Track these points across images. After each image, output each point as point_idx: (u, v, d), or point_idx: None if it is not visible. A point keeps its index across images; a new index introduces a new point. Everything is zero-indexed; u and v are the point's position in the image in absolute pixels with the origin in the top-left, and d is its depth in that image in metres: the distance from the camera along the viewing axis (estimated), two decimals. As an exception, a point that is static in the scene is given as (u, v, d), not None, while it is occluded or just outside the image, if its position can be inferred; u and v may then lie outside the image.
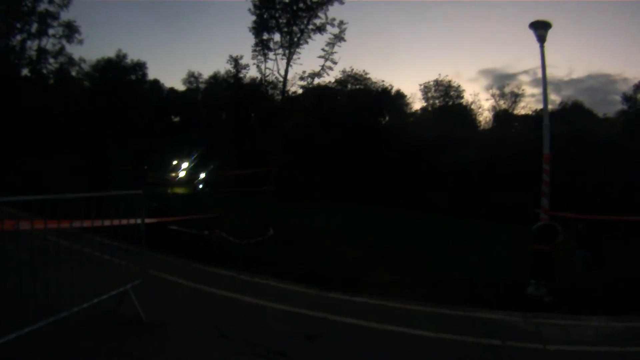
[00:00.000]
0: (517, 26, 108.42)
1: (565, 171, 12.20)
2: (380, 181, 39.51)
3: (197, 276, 9.07)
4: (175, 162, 31.69)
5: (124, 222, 6.44)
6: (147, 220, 7.03)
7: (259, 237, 13.98)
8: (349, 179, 38.60)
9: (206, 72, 69.12)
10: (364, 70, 50.45)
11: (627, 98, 45.68)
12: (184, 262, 10.27)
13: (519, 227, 20.14)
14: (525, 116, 51.15)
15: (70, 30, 47.10)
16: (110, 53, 63.17)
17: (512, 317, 8.19)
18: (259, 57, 18.40)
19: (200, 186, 17.59)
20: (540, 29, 11.19)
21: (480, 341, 6.77)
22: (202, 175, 23.92)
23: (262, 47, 17.84)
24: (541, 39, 11.26)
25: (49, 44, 46.75)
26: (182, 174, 23.03)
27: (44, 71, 48.33)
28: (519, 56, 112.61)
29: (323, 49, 18.33)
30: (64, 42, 47.47)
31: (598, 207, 21.02)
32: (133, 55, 62.68)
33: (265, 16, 17.50)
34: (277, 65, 18.29)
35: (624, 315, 8.59)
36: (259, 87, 37.97)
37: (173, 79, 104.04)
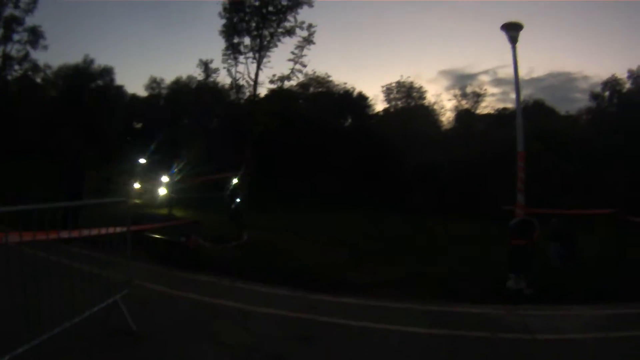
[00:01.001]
0: (476, 27, 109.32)
1: (529, 168, 12.44)
2: (347, 182, 39.60)
3: (178, 283, 8.94)
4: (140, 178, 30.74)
5: (111, 230, 6.34)
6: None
7: (234, 242, 13.87)
8: (317, 181, 38.62)
9: (169, 78, 68.10)
10: (326, 73, 50.44)
11: (594, 96, 46.59)
12: (162, 270, 10.11)
13: (488, 224, 20.43)
14: (487, 115, 51.83)
15: (35, 36, 46.17)
16: (77, 58, 62.26)
17: (496, 310, 8.37)
18: (230, 60, 18.35)
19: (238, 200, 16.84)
20: (512, 30, 11.38)
21: (472, 334, 6.88)
22: (165, 180, 23.02)
23: (233, 51, 17.79)
24: (513, 40, 11.44)
25: (13, 50, 45.88)
26: (161, 191, 21.28)
27: (9, 77, 47.50)
28: (479, 57, 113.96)
29: (292, 52, 18.39)
30: (28, 47, 46.66)
31: (565, 202, 21.38)
32: (100, 60, 61.70)
33: (235, 20, 17.42)
34: (248, 69, 18.27)
35: (601, 304, 8.88)
36: (224, 91, 37.75)
37: (135, 84, 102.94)
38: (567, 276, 11.09)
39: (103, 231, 6.31)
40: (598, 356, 6.32)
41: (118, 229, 6.51)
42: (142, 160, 29.76)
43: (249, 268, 10.67)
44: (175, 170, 24.47)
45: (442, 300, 8.81)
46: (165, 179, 22.78)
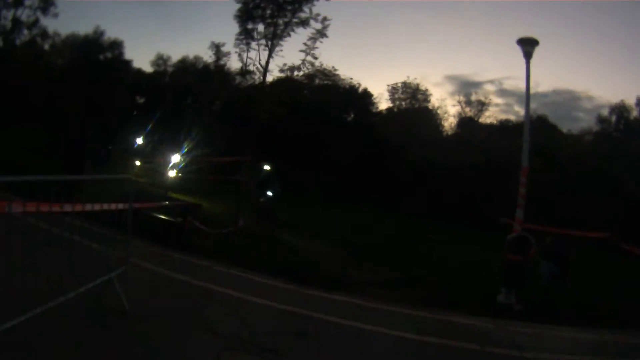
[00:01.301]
0: (486, 36, 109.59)
1: (529, 183, 12.47)
2: (348, 178, 39.61)
3: (174, 265, 8.97)
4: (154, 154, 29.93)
5: (113, 207, 6.34)
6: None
7: (230, 228, 13.88)
8: (318, 174, 38.63)
9: (175, 56, 67.94)
10: (333, 67, 50.20)
11: (601, 119, 46.63)
12: (158, 250, 10.17)
13: (484, 233, 20.49)
14: (490, 125, 51.90)
15: (46, 2, 45.99)
16: (87, 29, 61.92)
17: (485, 324, 8.37)
18: (242, 45, 18.27)
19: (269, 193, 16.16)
20: (528, 45, 11.38)
21: (461, 345, 6.90)
22: (175, 160, 22.49)
23: (246, 37, 17.71)
24: (528, 55, 11.44)
25: (23, 14, 45.61)
26: (171, 172, 19.98)
27: (17, 42, 47.27)
28: (486, 65, 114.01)
29: (305, 44, 18.29)
30: (39, 13, 46.40)
31: (561, 221, 21.44)
32: (110, 33, 61.41)
33: (250, 5, 17.36)
34: (259, 55, 18.20)
35: (590, 327, 8.89)
36: (232, 75, 37.63)
37: (142, 59, 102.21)
38: (558, 296, 11.15)
39: (105, 207, 6.28)
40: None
41: (120, 206, 6.52)
42: (139, 141, 29.25)
43: (242, 255, 10.76)
44: (185, 150, 24.37)
45: (434, 308, 8.85)
46: (174, 158, 22.42)
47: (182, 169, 21.35)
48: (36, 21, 46.65)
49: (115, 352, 4.98)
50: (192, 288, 7.77)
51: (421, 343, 6.82)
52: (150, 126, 36.01)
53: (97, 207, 6.01)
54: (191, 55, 55.60)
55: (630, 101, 45.06)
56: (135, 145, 35.18)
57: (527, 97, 12.14)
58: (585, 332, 8.61)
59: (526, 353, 6.98)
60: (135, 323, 5.71)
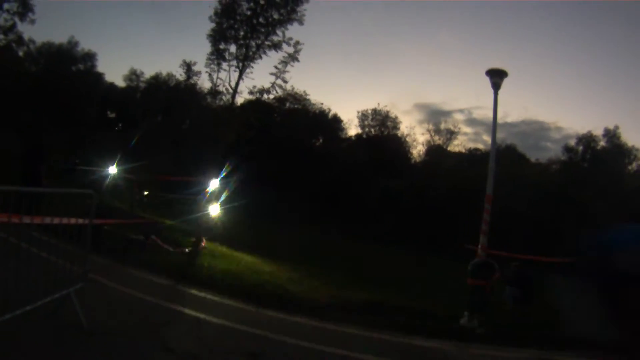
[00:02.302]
0: (457, 66, 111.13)
1: (496, 210, 12.60)
2: (315, 202, 39.61)
3: (133, 283, 8.86)
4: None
5: (72, 221, 6.23)
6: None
7: (192, 248, 13.76)
8: (285, 198, 38.56)
9: (149, 72, 67.75)
10: (304, 91, 50.43)
11: (568, 149, 47.31)
12: (117, 266, 10.04)
13: (449, 259, 20.59)
14: (459, 153, 52.46)
15: (25, 8, 45.47)
16: (62, 38, 61.35)
17: (446, 347, 8.38)
18: (213, 65, 18.22)
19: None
20: (496, 76, 11.55)
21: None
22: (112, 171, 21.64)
23: (217, 56, 17.67)
24: (496, 86, 11.60)
25: (1, 18, 45.08)
26: (213, 209, 16.07)
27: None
28: (455, 95, 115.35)
29: (276, 67, 18.31)
30: (16, 19, 45.85)
31: (528, 246, 21.67)
32: (84, 44, 60.85)
33: (224, 25, 17.34)
34: (230, 76, 18.17)
35: (552, 350, 8.99)
36: (202, 95, 37.33)
37: (115, 73, 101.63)
38: (520, 319, 11.23)
39: (65, 221, 6.16)
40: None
41: (80, 221, 6.41)
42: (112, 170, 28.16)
43: (202, 275, 10.67)
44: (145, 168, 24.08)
45: (395, 331, 8.84)
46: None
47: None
48: (13, 26, 46.14)
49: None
50: (151, 306, 7.68)
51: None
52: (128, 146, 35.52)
53: (56, 220, 5.90)
54: (164, 72, 55.65)
55: (598, 132, 45.96)
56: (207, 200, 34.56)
57: (493, 126, 12.27)
58: (547, 354, 8.71)
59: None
60: (91, 339, 5.60)
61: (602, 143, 45.52)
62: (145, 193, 22.74)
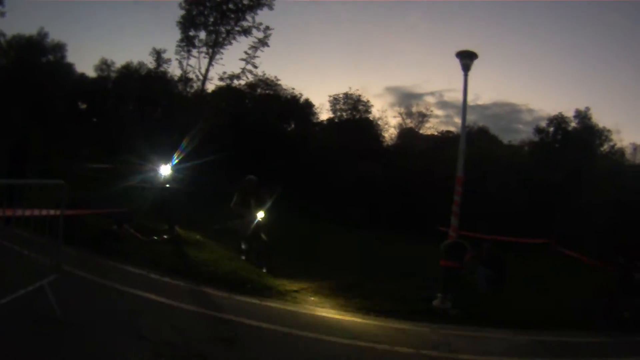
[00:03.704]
0: (428, 48, 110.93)
1: (469, 192, 12.70)
2: (288, 187, 39.56)
3: (107, 273, 8.82)
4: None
5: (44, 212, 6.21)
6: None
7: (166, 236, 13.70)
8: (262, 183, 38.48)
9: (120, 62, 66.78)
10: (275, 76, 50.01)
11: (539, 130, 47.43)
12: (91, 257, 9.99)
13: (422, 242, 20.73)
14: (431, 136, 52.49)
15: (-6, 0, 44.51)
16: (32, 29, 60.18)
17: (421, 328, 8.51)
18: (183, 52, 18.11)
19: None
20: (466, 58, 11.59)
21: (395, 349, 6.97)
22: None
23: (187, 43, 17.58)
24: (466, 68, 11.64)
25: (-31, 12, 44.07)
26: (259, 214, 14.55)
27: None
28: (426, 78, 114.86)
29: (246, 52, 18.26)
30: (-16, 12, 44.86)
31: (500, 227, 21.88)
32: (54, 34, 59.79)
33: (194, 12, 17.22)
34: (200, 63, 18.08)
35: (526, 330, 9.15)
36: (172, 82, 36.95)
37: (86, 64, 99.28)
38: (493, 300, 11.39)
39: (36, 212, 6.14)
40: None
41: (52, 212, 6.39)
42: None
43: (176, 263, 10.68)
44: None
45: (369, 314, 8.94)
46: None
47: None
48: (-19, 19, 45.19)
49: (44, 357, 4.91)
50: (125, 295, 7.67)
51: (355, 348, 6.89)
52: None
53: (27, 212, 5.89)
54: (135, 61, 55.06)
55: (569, 114, 46.18)
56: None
57: (463, 108, 12.37)
58: (521, 334, 8.87)
59: (462, 355, 7.14)
60: (66, 330, 5.63)
61: (574, 124, 45.62)
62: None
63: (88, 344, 5.44)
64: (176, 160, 16.80)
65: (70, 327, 5.72)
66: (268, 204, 13.98)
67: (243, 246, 13.55)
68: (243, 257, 13.08)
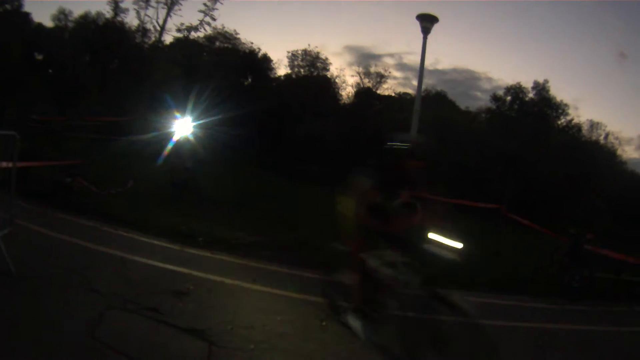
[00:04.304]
0: (389, 9, 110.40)
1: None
2: (244, 142, 39.46)
3: (61, 226, 8.84)
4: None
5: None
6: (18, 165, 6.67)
7: (119, 188, 13.65)
8: (213, 137, 38.30)
9: (77, 11, 65.16)
10: (234, 30, 49.50)
11: (496, 98, 47.78)
12: (45, 210, 9.98)
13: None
14: (388, 97, 52.67)
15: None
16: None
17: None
18: (141, 2, 17.77)
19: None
20: (426, 21, 11.73)
21: (343, 304, 7.11)
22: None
23: (146, -7, 17.27)
24: (425, 31, 11.79)
25: None
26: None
27: None
28: (386, 39, 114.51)
29: (205, 4, 18.00)
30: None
31: (453, 191, 22.28)
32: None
33: (152, -40, 16.90)
34: (157, 13, 17.80)
35: (474, 292, 9.48)
36: (130, 33, 36.20)
37: (43, 13, 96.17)
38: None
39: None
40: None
41: (3, 164, 6.35)
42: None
43: (129, 216, 10.61)
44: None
45: (320, 269, 9.08)
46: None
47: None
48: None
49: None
50: (78, 249, 7.71)
51: (304, 301, 7.11)
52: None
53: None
54: (93, 11, 53.63)
55: (528, 85, 46.59)
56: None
57: (420, 69, 12.57)
58: (468, 295, 9.05)
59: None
60: (19, 284, 5.70)
61: (531, 95, 46.19)
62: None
63: (40, 297, 5.49)
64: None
65: (23, 281, 5.78)
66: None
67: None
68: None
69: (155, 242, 9.16)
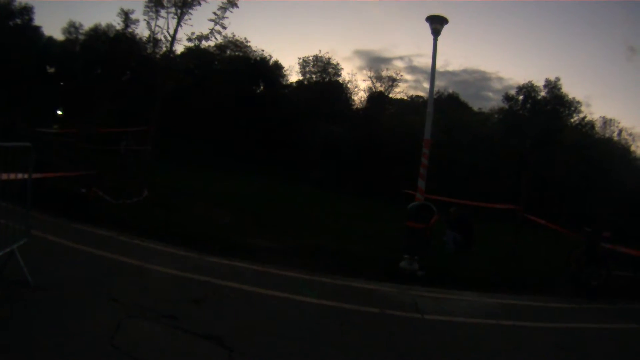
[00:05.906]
0: (398, 12, 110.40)
1: (437, 157, 12.81)
2: (257, 150, 39.44)
3: (77, 236, 8.83)
4: None
5: (12, 176, 6.17)
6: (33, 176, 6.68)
7: (135, 198, 13.69)
8: (227, 145, 38.28)
9: (88, 24, 65.69)
10: (245, 38, 49.59)
11: (508, 97, 47.49)
12: (61, 221, 9.96)
13: (390, 206, 20.89)
14: (400, 100, 52.53)
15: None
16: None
17: (387, 288, 8.62)
18: (151, 13, 17.81)
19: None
20: (437, 23, 11.58)
21: (360, 309, 7.10)
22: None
23: (155, 4, 17.30)
24: (436, 33, 11.65)
25: None
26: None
27: None
28: (396, 42, 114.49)
29: (214, 13, 18.03)
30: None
31: (467, 192, 22.17)
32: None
33: (163, -30, 16.95)
34: (168, 23, 17.80)
35: (492, 293, 9.37)
36: (141, 44, 36.29)
37: (54, 26, 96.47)
38: (460, 263, 11.62)
39: (4, 177, 6.10)
40: (484, 340, 6.66)
41: (19, 176, 6.36)
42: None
43: (146, 225, 10.61)
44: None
45: (336, 274, 9.03)
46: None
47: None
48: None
49: (16, 322, 4.94)
50: (95, 258, 7.70)
51: (321, 307, 7.03)
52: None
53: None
54: (104, 23, 53.88)
55: (539, 83, 46.23)
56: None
57: (432, 71, 12.37)
58: (486, 296, 9.05)
59: (428, 316, 7.29)
60: (37, 294, 5.69)
61: (543, 93, 45.87)
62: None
63: (59, 307, 5.47)
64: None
65: (41, 291, 5.77)
66: None
67: None
68: None
69: (173, 250, 9.15)
